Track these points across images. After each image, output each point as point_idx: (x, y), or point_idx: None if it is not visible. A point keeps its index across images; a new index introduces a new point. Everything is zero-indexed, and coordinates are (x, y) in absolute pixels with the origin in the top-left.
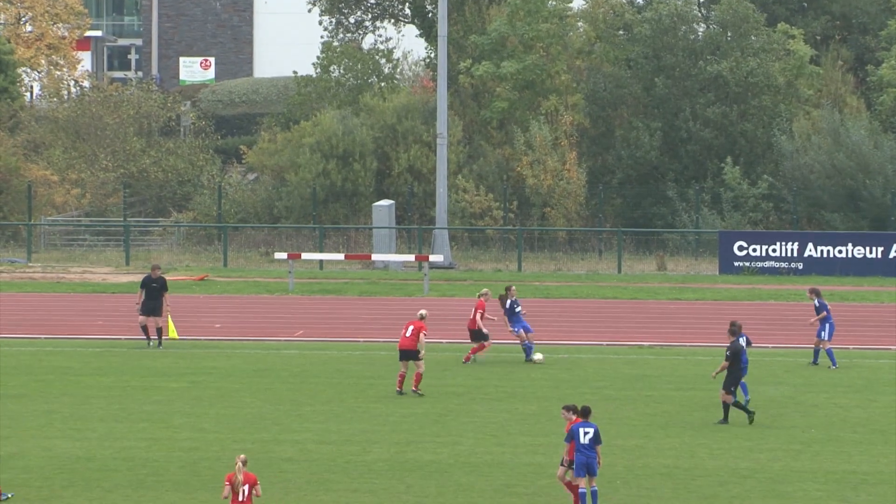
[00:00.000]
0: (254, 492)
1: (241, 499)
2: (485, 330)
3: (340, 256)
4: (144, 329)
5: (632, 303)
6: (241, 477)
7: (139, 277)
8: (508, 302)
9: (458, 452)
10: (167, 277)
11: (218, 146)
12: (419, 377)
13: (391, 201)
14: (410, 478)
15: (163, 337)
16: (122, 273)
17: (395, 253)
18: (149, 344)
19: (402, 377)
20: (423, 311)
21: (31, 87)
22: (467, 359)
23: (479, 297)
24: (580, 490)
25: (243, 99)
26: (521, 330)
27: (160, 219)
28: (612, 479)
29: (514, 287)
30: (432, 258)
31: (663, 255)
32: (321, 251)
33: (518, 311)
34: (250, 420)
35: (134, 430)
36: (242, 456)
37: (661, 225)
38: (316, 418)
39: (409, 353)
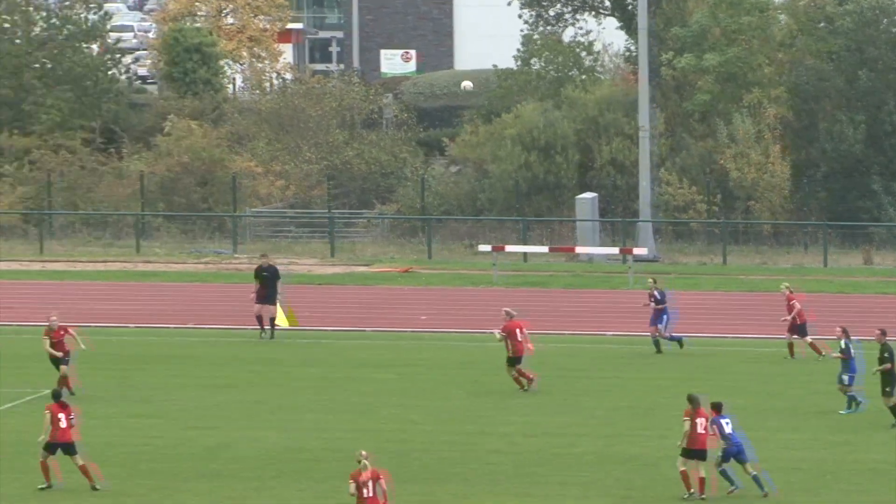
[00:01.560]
0: (379, 486)
1: (366, 495)
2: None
3: (544, 249)
4: (259, 319)
5: (838, 297)
6: (367, 474)
7: (344, 269)
8: (655, 293)
9: (665, 446)
10: (373, 269)
11: (420, 138)
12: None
13: (594, 194)
14: (618, 471)
15: (274, 327)
16: (327, 264)
17: (599, 245)
18: (262, 335)
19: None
20: (509, 310)
21: (234, 79)
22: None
23: (785, 290)
24: (721, 469)
25: (444, 91)
26: (661, 325)
27: (364, 210)
28: (822, 475)
29: (651, 279)
30: (636, 251)
31: (870, 248)
32: (525, 243)
33: (661, 305)
34: (457, 412)
35: (342, 422)
36: (363, 452)
37: (867, 219)
38: (522, 411)
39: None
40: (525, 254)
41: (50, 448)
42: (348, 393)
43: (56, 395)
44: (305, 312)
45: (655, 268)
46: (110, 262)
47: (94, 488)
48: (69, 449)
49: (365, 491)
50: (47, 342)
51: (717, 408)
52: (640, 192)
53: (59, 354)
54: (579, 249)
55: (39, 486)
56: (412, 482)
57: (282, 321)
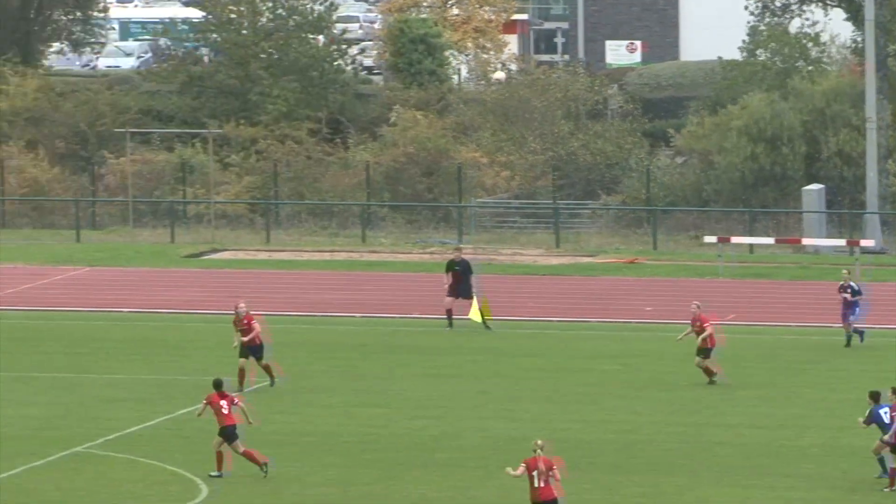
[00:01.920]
0: (552, 475)
1: (535, 485)
2: None
3: (770, 240)
4: (449, 312)
5: None
6: (541, 465)
7: (569, 260)
8: (851, 284)
9: None
10: (598, 260)
11: (645, 129)
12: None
13: (821, 185)
14: (845, 464)
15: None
16: (552, 255)
17: (826, 237)
18: (449, 326)
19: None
20: (698, 303)
21: (459, 69)
22: None
23: None
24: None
25: (670, 82)
26: (852, 317)
27: (589, 201)
28: None
29: (846, 270)
30: (864, 243)
31: None
32: (751, 235)
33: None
34: (683, 403)
35: (567, 412)
36: (540, 441)
37: None
38: (749, 402)
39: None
40: (751, 245)
41: (224, 434)
42: (572, 383)
43: (217, 385)
44: (529, 303)
45: (883, 260)
46: (336, 252)
47: (264, 472)
48: (230, 435)
49: (535, 480)
50: (237, 332)
51: (874, 397)
52: (867, 184)
53: (243, 340)
54: (806, 241)
55: (211, 474)
56: (637, 473)
57: (474, 316)
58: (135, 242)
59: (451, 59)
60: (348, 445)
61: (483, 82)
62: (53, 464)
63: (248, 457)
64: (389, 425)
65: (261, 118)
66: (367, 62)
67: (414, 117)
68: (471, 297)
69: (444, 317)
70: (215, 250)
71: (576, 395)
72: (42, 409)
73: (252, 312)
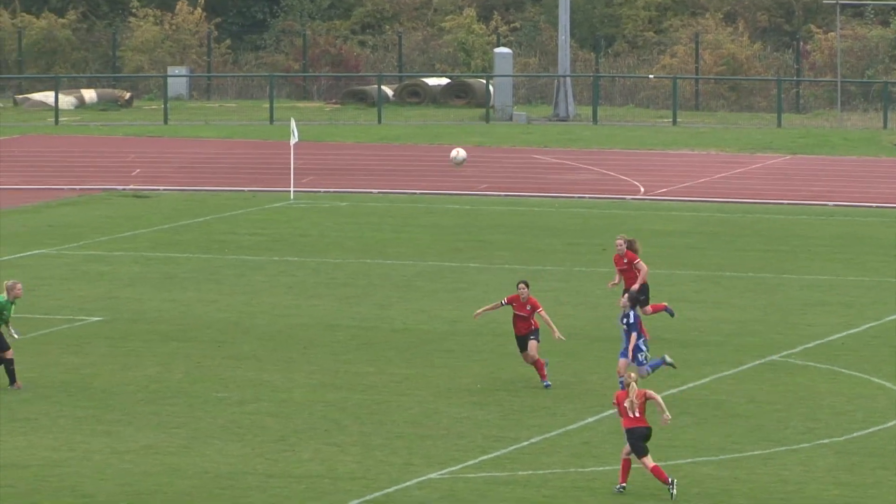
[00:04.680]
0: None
1: (632, 415)
2: None
3: None
4: None
5: None
6: (633, 397)
7: None
8: None
9: None
10: None
11: None
12: None
13: None
14: None
15: None
16: None
17: None
18: None
19: None
20: None
21: None
22: None
23: None
24: None
25: None
26: None
27: None
28: None
29: None
30: None
31: None
32: None
33: None
34: None
35: None
36: (633, 374)
37: None
38: None
39: None
40: None
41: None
42: None
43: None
44: None
45: None
46: None
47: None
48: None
49: (630, 411)
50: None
51: None
52: None
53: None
54: None
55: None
56: None
57: None
58: (842, 128)
59: None
60: None
61: None
62: (745, 373)
63: (538, 367)
64: None
65: None
66: None
67: None
68: None
69: None
70: None
71: None
72: (736, 313)
73: None
